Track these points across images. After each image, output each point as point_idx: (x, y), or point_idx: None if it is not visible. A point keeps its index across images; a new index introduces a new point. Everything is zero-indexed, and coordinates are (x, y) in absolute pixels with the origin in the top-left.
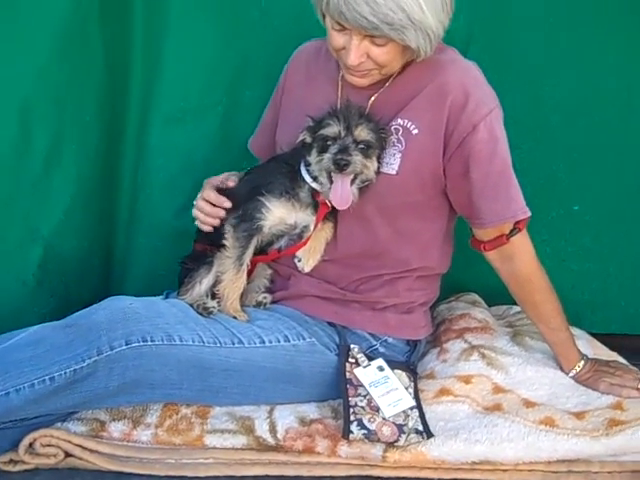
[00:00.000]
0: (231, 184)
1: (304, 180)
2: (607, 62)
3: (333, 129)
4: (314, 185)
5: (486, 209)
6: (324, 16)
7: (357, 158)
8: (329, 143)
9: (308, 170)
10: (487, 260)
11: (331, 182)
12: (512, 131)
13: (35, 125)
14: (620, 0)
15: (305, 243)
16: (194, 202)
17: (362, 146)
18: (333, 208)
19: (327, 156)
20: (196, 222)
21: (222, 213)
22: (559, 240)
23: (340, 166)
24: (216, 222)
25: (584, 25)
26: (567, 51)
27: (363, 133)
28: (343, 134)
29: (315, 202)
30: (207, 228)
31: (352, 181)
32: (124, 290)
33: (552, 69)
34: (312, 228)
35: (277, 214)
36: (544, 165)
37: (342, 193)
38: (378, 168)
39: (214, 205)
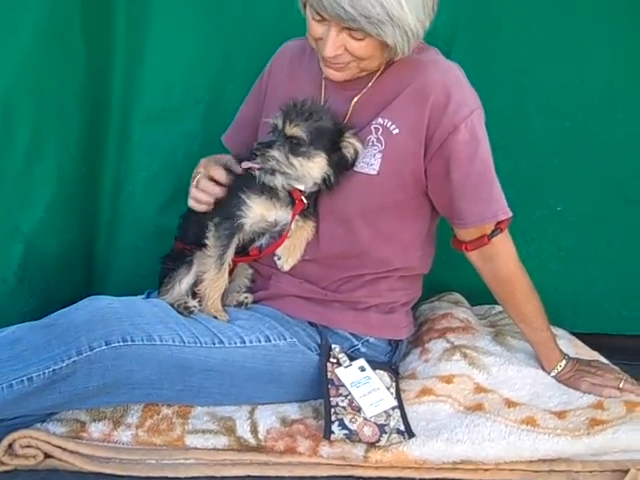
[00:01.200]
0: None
1: None
2: (590, 64)
3: (275, 121)
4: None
5: (467, 209)
6: (305, 5)
7: (273, 153)
8: (269, 133)
9: None
10: (469, 260)
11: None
12: (495, 132)
13: (15, 121)
14: (603, 2)
15: (283, 239)
16: (195, 180)
17: (294, 142)
18: (309, 205)
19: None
20: (191, 203)
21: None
22: (542, 241)
23: (254, 155)
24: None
25: (568, 27)
26: (550, 53)
27: (295, 130)
28: (280, 127)
29: (293, 199)
30: (203, 208)
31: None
32: (106, 289)
33: (535, 71)
34: (288, 224)
35: (257, 211)
36: (527, 166)
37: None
38: (333, 174)
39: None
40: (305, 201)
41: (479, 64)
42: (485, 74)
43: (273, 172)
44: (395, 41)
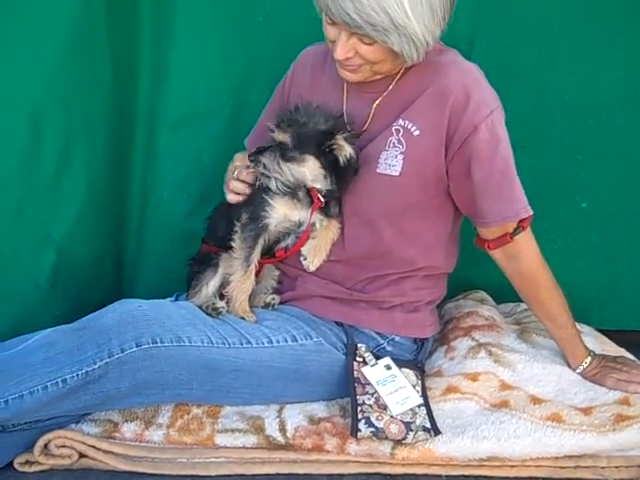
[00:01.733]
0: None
1: None
2: (612, 60)
3: (271, 126)
4: None
5: (489, 209)
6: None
7: (263, 159)
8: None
9: None
10: (493, 258)
11: None
12: (517, 131)
13: (45, 131)
14: None
15: (306, 237)
16: (234, 172)
17: (283, 148)
18: (327, 203)
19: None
20: (229, 196)
21: None
22: (567, 237)
23: (250, 159)
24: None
25: (588, 24)
26: (571, 50)
27: (282, 135)
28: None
29: (311, 199)
30: (240, 199)
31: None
32: (135, 292)
33: (557, 68)
34: (307, 221)
35: (281, 211)
36: (551, 164)
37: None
38: (334, 176)
39: None
40: (322, 199)
41: (500, 63)
42: (506, 73)
43: (267, 177)
44: (402, 48)
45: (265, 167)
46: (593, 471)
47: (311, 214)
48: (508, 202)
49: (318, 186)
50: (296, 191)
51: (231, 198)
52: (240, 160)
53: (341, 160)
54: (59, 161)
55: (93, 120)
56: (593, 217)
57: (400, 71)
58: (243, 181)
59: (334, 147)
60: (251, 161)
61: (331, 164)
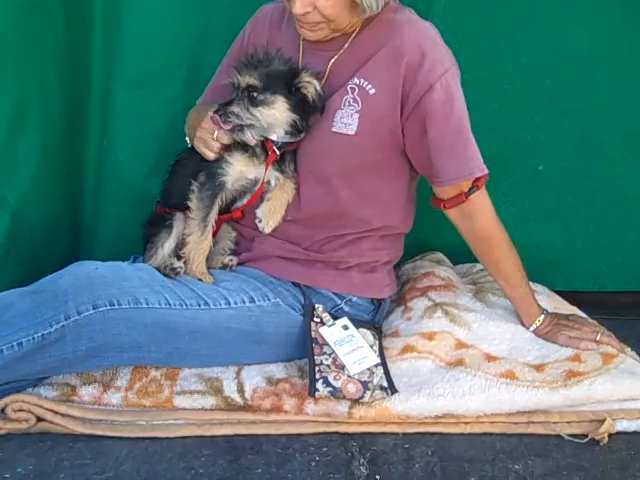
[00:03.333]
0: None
1: None
2: (570, 21)
3: (232, 79)
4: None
5: (444, 167)
6: None
7: (234, 108)
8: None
9: None
10: (450, 220)
11: None
12: (475, 91)
13: None
14: None
15: (260, 191)
16: (213, 135)
17: (250, 92)
18: (282, 159)
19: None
20: (205, 151)
21: None
22: (523, 200)
23: (214, 116)
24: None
25: None
26: (529, 10)
27: (248, 79)
28: (236, 84)
29: (267, 154)
30: (214, 156)
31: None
32: (92, 256)
33: (514, 29)
34: (263, 176)
35: (237, 168)
36: (509, 125)
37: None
38: (299, 118)
39: None
40: (277, 152)
41: (458, 23)
42: (464, 33)
43: (241, 128)
44: None
45: (237, 116)
46: (545, 426)
47: (267, 167)
48: (463, 161)
49: (280, 132)
50: (254, 147)
51: (210, 155)
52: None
53: (310, 97)
54: (12, 123)
55: (46, 81)
56: (549, 179)
57: (356, 29)
58: (219, 139)
59: (301, 85)
60: (219, 115)
61: (296, 105)
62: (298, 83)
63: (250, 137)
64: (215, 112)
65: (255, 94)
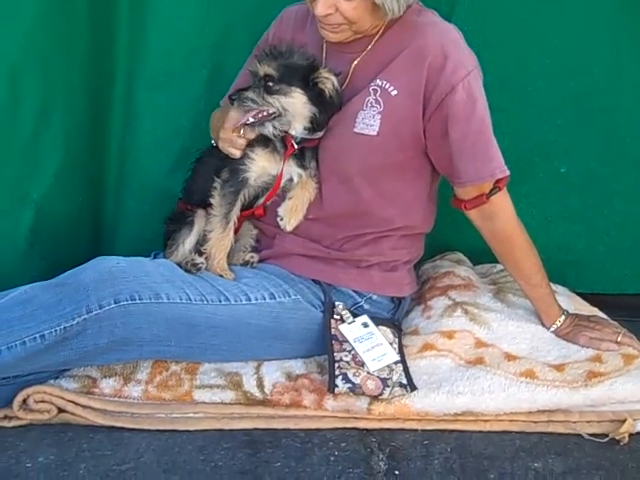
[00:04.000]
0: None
1: None
2: (594, 23)
3: (253, 67)
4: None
5: (465, 168)
6: None
7: (248, 94)
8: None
9: None
10: (470, 220)
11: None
12: (498, 94)
13: (23, 91)
14: None
15: (277, 188)
16: (240, 133)
17: (268, 82)
18: (302, 153)
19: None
20: (230, 150)
21: None
22: (545, 201)
23: (231, 100)
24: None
25: None
26: (553, 13)
27: (265, 68)
28: (256, 72)
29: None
30: (239, 153)
31: (266, 117)
32: (114, 252)
33: (538, 31)
34: (280, 170)
35: (260, 164)
36: (532, 127)
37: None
38: (318, 112)
39: None
40: (295, 146)
41: (481, 25)
42: (488, 35)
43: (262, 122)
44: (383, 0)
45: (253, 101)
46: (565, 425)
47: (284, 160)
48: (484, 162)
49: (299, 127)
50: (275, 143)
51: (236, 153)
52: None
53: (327, 92)
54: (37, 121)
55: (71, 80)
56: (572, 181)
57: (379, 31)
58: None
59: (319, 80)
60: (233, 100)
61: (315, 99)
62: (315, 78)
63: (271, 129)
64: (230, 96)
65: (271, 84)
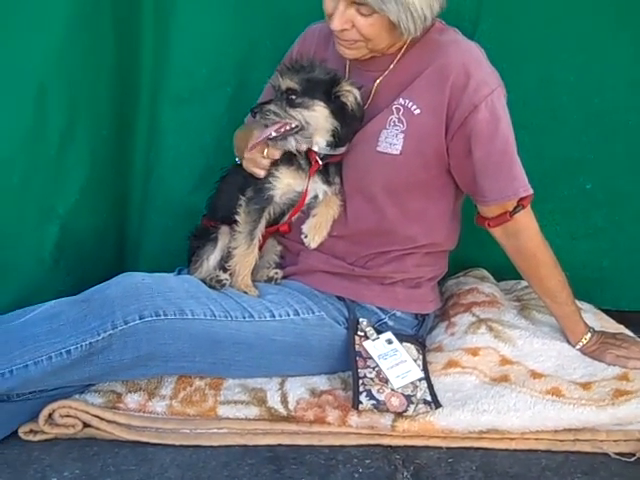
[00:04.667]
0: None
1: None
2: (618, 39)
3: (274, 81)
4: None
5: (489, 187)
6: None
7: (271, 107)
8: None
9: None
10: (493, 237)
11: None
12: (522, 111)
13: (50, 108)
14: None
15: (302, 204)
16: (263, 153)
17: (291, 95)
18: (326, 169)
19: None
20: (254, 170)
21: None
22: (571, 219)
23: (253, 113)
24: None
25: (595, 2)
26: (577, 29)
27: (287, 82)
28: (277, 86)
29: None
30: (264, 173)
31: (289, 131)
32: (138, 268)
33: (562, 48)
34: (306, 187)
35: (285, 181)
36: (555, 144)
37: (255, 141)
38: (340, 126)
39: None
40: (320, 162)
41: (505, 42)
42: (511, 52)
43: (284, 136)
44: (399, 19)
45: (275, 114)
46: (592, 444)
47: (309, 177)
48: (508, 181)
49: (322, 141)
50: (299, 160)
51: (260, 173)
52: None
53: (349, 105)
54: (63, 137)
55: (97, 97)
56: (597, 199)
57: (401, 50)
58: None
59: (341, 93)
60: (255, 113)
61: (338, 112)
62: (338, 91)
63: (293, 144)
64: (252, 110)
65: (294, 97)
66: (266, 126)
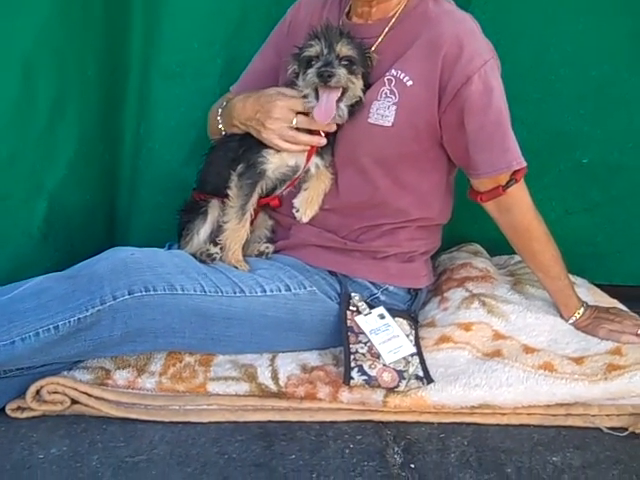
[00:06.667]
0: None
1: None
2: (615, 10)
3: (315, 48)
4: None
5: (481, 160)
6: None
7: (341, 71)
8: (313, 62)
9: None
10: (486, 211)
11: (318, 99)
12: (518, 84)
13: (37, 81)
14: None
15: (299, 177)
16: (291, 123)
17: (345, 62)
18: (327, 143)
19: (311, 71)
20: (290, 146)
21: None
22: (566, 193)
23: (324, 77)
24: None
25: None
26: (574, 2)
27: (345, 49)
28: (325, 52)
29: None
30: (324, 141)
31: (340, 98)
32: (128, 242)
33: (558, 19)
34: (305, 160)
35: (278, 155)
36: (552, 118)
37: (326, 107)
38: (366, 87)
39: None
40: (323, 135)
41: (500, 14)
42: (507, 24)
43: (342, 95)
44: None
45: (342, 79)
46: (584, 419)
47: (310, 152)
48: (500, 153)
49: (346, 110)
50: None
51: (289, 147)
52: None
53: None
54: (52, 111)
55: (85, 70)
56: (593, 173)
57: (395, 15)
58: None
59: (372, 63)
60: (329, 77)
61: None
62: (372, 62)
63: (344, 105)
64: (319, 71)
65: (354, 65)
66: (305, 97)
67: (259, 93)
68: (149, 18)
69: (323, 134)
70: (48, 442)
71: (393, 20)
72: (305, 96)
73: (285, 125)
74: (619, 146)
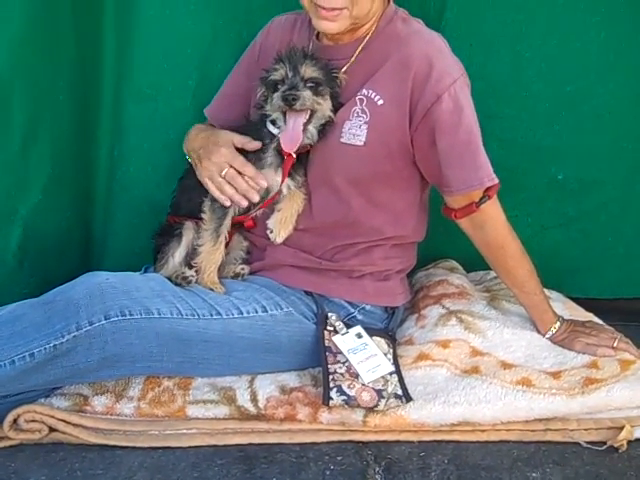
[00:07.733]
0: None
1: (270, 134)
2: (589, 26)
3: (280, 72)
4: (276, 131)
5: (454, 177)
6: None
7: (305, 93)
8: (279, 86)
9: (272, 122)
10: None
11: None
12: (492, 100)
13: (10, 106)
14: None
15: (275, 197)
16: (221, 173)
17: (311, 84)
18: (298, 160)
19: (277, 95)
20: (227, 202)
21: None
22: (542, 208)
23: (289, 101)
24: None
25: None
26: (548, 16)
27: (309, 71)
28: (290, 74)
29: (281, 159)
30: (244, 203)
31: (309, 120)
32: (104, 267)
33: (532, 35)
34: (279, 182)
35: None
36: (527, 134)
37: (292, 133)
38: (335, 108)
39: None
40: (294, 156)
41: (473, 29)
42: (480, 39)
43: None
44: None
45: (308, 101)
46: (563, 434)
47: (285, 173)
48: (472, 171)
49: (314, 131)
50: (266, 155)
51: (214, 191)
52: (224, 157)
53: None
54: (24, 137)
55: (58, 93)
56: (569, 189)
57: (366, 37)
58: (245, 193)
59: (341, 83)
60: (294, 100)
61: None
62: (340, 82)
63: (313, 127)
64: (287, 97)
65: (320, 86)
66: (273, 123)
67: (216, 133)
68: (120, 40)
69: (294, 154)
70: (26, 471)
71: (364, 42)
72: (273, 121)
73: (216, 171)
74: (594, 161)
